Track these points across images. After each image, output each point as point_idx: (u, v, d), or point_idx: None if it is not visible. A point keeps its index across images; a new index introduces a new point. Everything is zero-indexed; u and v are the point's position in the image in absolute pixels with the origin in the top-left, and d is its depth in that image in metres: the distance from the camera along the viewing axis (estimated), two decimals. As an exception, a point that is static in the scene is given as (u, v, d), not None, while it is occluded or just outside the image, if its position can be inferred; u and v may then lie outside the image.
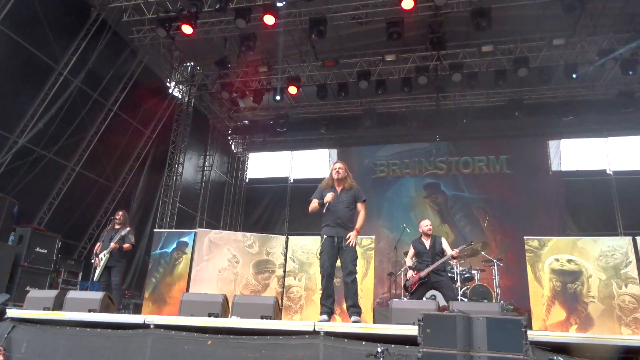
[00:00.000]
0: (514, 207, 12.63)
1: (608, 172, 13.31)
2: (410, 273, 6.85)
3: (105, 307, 5.42)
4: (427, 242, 6.82)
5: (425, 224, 6.91)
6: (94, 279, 7.24)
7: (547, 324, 7.91)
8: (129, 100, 11.18)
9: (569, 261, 8.17)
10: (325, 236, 5.26)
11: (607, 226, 12.30)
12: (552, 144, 13.51)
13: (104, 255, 7.11)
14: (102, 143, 10.72)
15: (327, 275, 5.17)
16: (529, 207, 12.54)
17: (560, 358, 2.94)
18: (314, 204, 5.42)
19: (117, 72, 10.74)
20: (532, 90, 12.38)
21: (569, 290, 8.06)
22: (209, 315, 5.00)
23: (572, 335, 4.24)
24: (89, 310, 5.20)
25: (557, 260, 8.21)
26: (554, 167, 13.32)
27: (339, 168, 5.47)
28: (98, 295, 5.54)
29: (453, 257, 6.83)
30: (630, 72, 10.54)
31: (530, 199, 12.69)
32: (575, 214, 12.82)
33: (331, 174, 5.53)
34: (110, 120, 10.82)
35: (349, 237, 5.18)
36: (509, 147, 13.59)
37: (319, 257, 5.34)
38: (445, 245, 6.80)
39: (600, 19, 10.20)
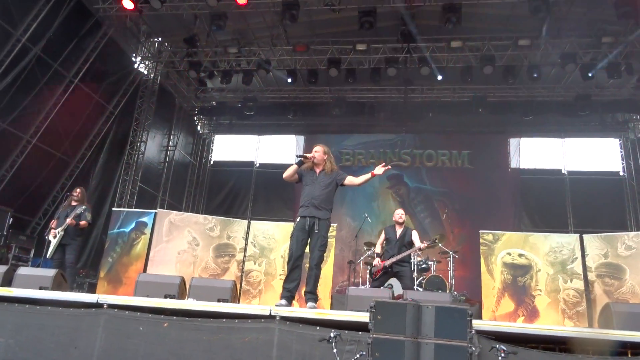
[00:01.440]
0: (473, 201, 13.01)
1: (563, 171, 13.88)
2: (376, 260, 6.98)
3: (57, 285, 5.29)
4: (398, 231, 6.96)
5: (398, 213, 7.09)
6: (47, 256, 7.04)
7: (496, 315, 8.25)
8: (92, 73, 10.78)
9: (520, 255, 8.52)
10: (298, 217, 5.25)
11: (559, 223, 12.85)
12: (513, 141, 13.94)
13: (59, 233, 6.91)
14: (61, 116, 10.31)
15: (295, 259, 5.10)
16: (486, 202, 12.95)
17: (502, 347, 3.08)
18: (290, 168, 5.32)
19: (80, 42, 10.33)
20: (496, 88, 12.72)
21: (519, 283, 8.42)
22: (165, 296, 4.97)
23: (514, 325, 4.45)
24: (40, 288, 5.07)
25: (509, 254, 8.55)
26: (513, 164, 13.77)
27: (316, 150, 5.42)
28: (50, 272, 5.41)
29: (420, 250, 7.03)
30: (590, 75, 10.95)
31: (488, 194, 13.10)
32: (530, 211, 13.33)
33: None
34: (71, 93, 10.42)
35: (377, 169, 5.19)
36: (471, 142, 13.94)
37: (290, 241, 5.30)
38: (415, 237, 6.92)
39: (564, 23, 10.53)
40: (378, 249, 7.15)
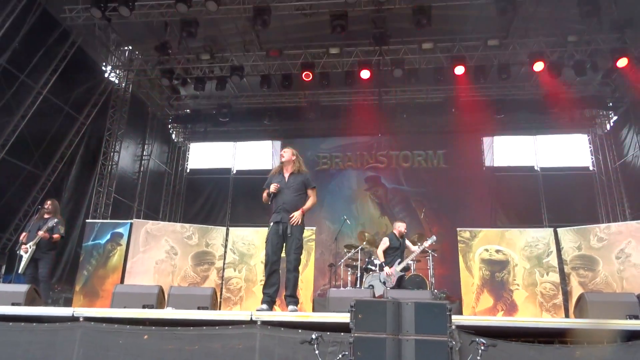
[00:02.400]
0: (450, 200, 13.17)
1: (536, 168, 14.19)
2: (386, 269, 7.68)
3: (30, 301, 5.15)
4: (400, 240, 7.94)
5: (403, 226, 8.06)
6: (19, 272, 6.83)
7: (476, 311, 8.35)
8: (61, 84, 10.52)
9: (497, 251, 8.67)
10: (272, 223, 5.25)
11: (534, 219, 13.11)
12: (486, 140, 14.19)
13: (30, 247, 6.71)
14: (30, 128, 10.03)
15: (271, 263, 5.13)
16: (463, 200, 13.13)
17: (482, 340, 3.12)
18: (264, 194, 5.48)
19: (47, 53, 10.08)
20: (468, 88, 12.91)
21: (497, 278, 8.55)
22: (144, 307, 4.88)
23: (492, 319, 4.52)
24: (12, 304, 4.92)
25: (487, 250, 8.69)
26: (487, 163, 14.01)
27: (284, 151, 5.53)
28: (23, 287, 5.26)
29: (422, 251, 8.20)
30: (555, 74, 11.25)
31: (464, 192, 13.28)
32: (505, 207, 13.56)
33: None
34: (40, 104, 10.15)
35: (292, 216, 5.19)
36: (445, 142, 14.13)
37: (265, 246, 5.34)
38: (409, 243, 8.07)
39: (531, 22, 10.80)
40: (381, 257, 7.90)
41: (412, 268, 9.32)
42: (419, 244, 7.87)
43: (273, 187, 5.30)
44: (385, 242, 7.91)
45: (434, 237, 8.01)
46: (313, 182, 5.54)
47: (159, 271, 8.66)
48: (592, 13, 9.24)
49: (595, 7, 9.17)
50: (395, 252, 7.81)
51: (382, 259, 7.84)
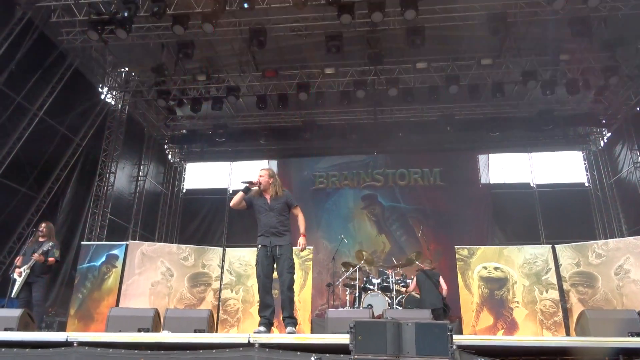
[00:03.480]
0: (447, 217, 13.17)
1: (532, 185, 14.25)
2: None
3: (24, 326, 5.04)
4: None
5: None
6: (12, 296, 6.71)
7: (476, 330, 8.27)
8: (57, 106, 10.53)
9: (496, 269, 8.63)
10: (259, 246, 5.19)
11: (531, 235, 13.11)
12: (482, 157, 14.27)
13: (24, 271, 6.62)
14: (26, 150, 10.00)
15: (263, 286, 5.08)
16: (460, 217, 13.13)
17: (484, 360, 3.08)
18: (237, 196, 5.21)
19: (44, 75, 10.13)
20: (463, 106, 13.04)
21: (496, 296, 8.49)
22: (139, 330, 4.80)
23: (493, 338, 4.46)
24: (5, 329, 4.82)
25: (485, 268, 8.65)
26: (483, 180, 14.06)
27: (260, 176, 5.27)
28: (16, 312, 5.15)
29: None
30: (548, 93, 11.39)
31: (461, 209, 13.29)
32: (502, 224, 13.56)
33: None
34: (36, 126, 10.15)
35: (299, 244, 5.12)
36: (441, 160, 14.19)
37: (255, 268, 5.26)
38: (441, 280, 7.89)
39: (523, 42, 10.96)
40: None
41: (410, 287, 9.23)
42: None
43: (254, 181, 5.17)
44: (414, 282, 8.15)
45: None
46: (294, 200, 5.40)
47: (154, 293, 8.55)
48: (582, 32, 9.40)
49: (586, 26, 9.32)
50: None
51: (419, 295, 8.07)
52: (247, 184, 5.23)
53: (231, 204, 5.29)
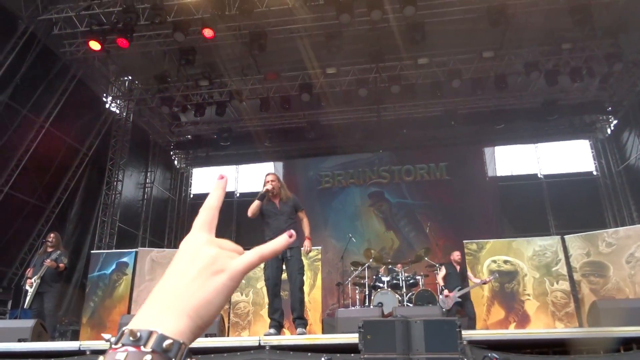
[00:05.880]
0: (454, 212, 13.11)
1: (539, 176, 14.15)
2: (445, 292, 8.03)
3: (37, 336, 5.09)
4: (457, 267, 8.14)
5: (457, 254, 8.32)
6: (25, 307, 6.78)
7: (487, 324, 8.24)
8: (63, 116, 10.64)
9: (506, 262, 8.58)
10: None
11: (541, 227, 13.01)
12: (487, 150, 14.19)
13: (35, 281, 6.69)
14: (34, 162, 10.12)
15: (272, 288, 5.12)
16: (468, 212, 13.07)
17: (495, 355, 3.07)
18: (253, 205, 5.26)
19: (48, 86, 10.23)
20: (466, 100, 12.98)
21: (507, 289, 8.45)
22: (151, 336, 4.82)
23: (504, 332, 4.45)
24: (19, 340, 4.87)
25: (495, 261, 8.61)
26: (490, 173, 13.98)
27: (271, 180, 5.33)
28: (29, 323, 5.20)
29: (484, 283, 8.25)
30: (552, 83, 11.30)
31: (469, 203, 13.23)
32: (510, 217, 13.48)
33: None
34: (42, 137, 10.26)
35: (305, 246, 5.19)
36: (447, 154, 14.13)
37: (264, 271, 5.30)
38: (469, 273, 8.24)
39: (524, 33, 10.89)
40: (441, 282, 8.23)
41: (420, 283, 9.21)
42: (479, 279, 8.26)
43: (269, 188, 5.21)
44: (442, 270, 8.26)
45: (497, 275, 8.19)
46: (301, 204, 5.53)
47: (165, 299, 8.58)
48: (583, 21, 9.32)
49: (587, 14, 9.25)
50: (452, 277, 8.05)
51: (442, 284, 8.19)
52: (265, 193, 5.28)
53: (249, 214, 5.32)
